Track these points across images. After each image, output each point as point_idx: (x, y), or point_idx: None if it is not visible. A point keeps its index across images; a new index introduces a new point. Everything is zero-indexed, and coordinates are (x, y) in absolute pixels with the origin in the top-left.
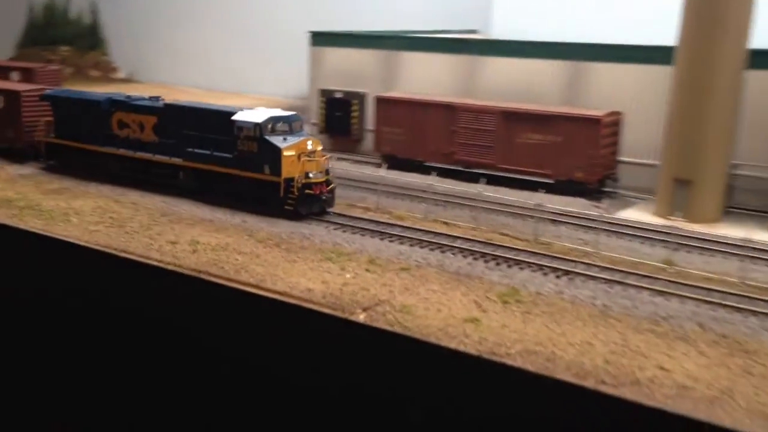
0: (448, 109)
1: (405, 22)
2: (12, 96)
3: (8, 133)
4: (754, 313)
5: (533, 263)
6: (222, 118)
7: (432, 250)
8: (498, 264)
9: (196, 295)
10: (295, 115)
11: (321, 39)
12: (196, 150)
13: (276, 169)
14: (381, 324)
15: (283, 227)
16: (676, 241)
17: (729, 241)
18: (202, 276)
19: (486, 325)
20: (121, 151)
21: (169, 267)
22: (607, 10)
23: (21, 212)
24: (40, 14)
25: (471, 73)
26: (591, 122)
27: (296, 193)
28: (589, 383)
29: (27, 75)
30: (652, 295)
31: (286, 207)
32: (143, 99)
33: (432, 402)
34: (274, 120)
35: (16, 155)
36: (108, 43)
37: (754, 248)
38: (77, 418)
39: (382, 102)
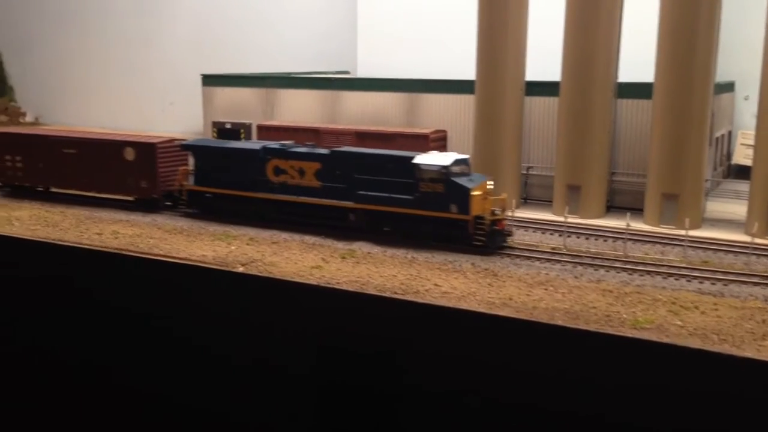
0: (315, 132)
1: (291, 64)
2: (145, 148)
3: (141, 184)
4: (509, 256)
5: (368, 236)
6: (400, 162)
7: (295, 232)
8: (343, 238)
9: (120, 265)
10: (468, 158)
11: (211, 80)
12: (369, 193)
13: (464, 208)
14: (254, 272)
15: (182, 222)
16: None
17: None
18: (123, 252)
19: (326, 269)
20: (281, 197)
21: (98, 248)
22: (438, 52)
23: None
24: None
25: (333, 105)
26: (421, 137)
27: (486, 230)
28: (386, 294)
29: None
30: (446, 253)
31: (475, 243)
32: (300, 146)
33: (288, 322)
34: (457, 162)
35: (149, 205)
36: (15, 90)
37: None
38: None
39: (264, 129)
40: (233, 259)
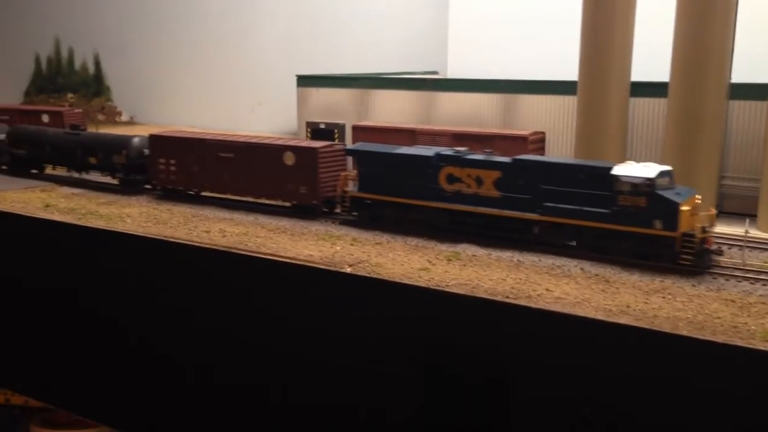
0: (411, 133)
1: (377, 64)
2: (306, 153)
3: (301, 190)
4: (620, 263)
5: (471, 238)
6: (595, 172)
7: (397, 233)
8: (446, 240)
9: (230, 263)
10: (672, 170)
11: (306, 81)
12: (557, 205)
13: (671, 224)
14: (362, 273)
15: (286, 222)
16: None
17: None
18: (233, 250)
19: (434, 272)
20: (455, 206)
21: (208, 246)
22: (533, 50)
23: (85, 216)
24: (47, 65)
25: (428, 105)
26: (520, 139)
27: (695, 248)
28: (498, 298)
29: (55, 117)
30: (552, 257)
31: (682, 262)
32: (477, 153)
33: (390, 323)
34: (662, 174)
35: (307, 211)
36: (111, 90)
37: None
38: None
39: (358, 129)
40: (340, 260)
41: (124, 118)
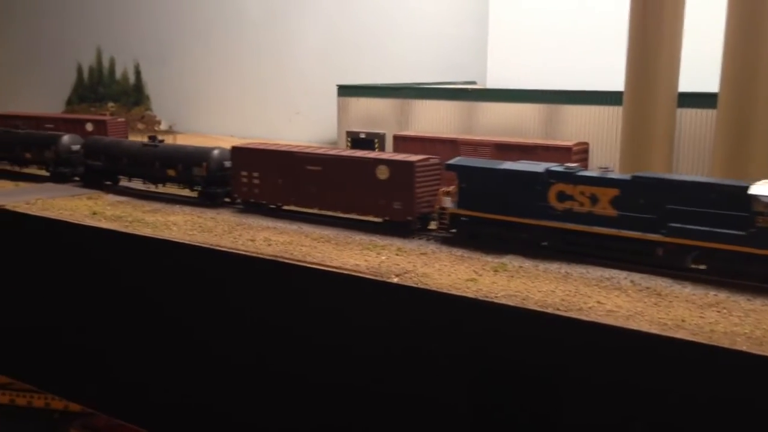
0: (453, 143)
1: (416, 74)
2: (402, 167)
3: (394, 206)
4: (672, 276)
5: (517, 248)
6: (730, 192)
7: (443, 243)
8: (492, 251)
9: (276, 271)
10: None
11: (346, 90)
12: (685, 226)
13: None
14: (409, 283)
15: (329, 231)
16: None
17: None
18: (279, 258)
19: (481, 282)
20: (566, 225)
21: (254, 254)
22: (573, 61)
23: (132, 224)
24: (88, 74)
25: (469, 116)
26: (563, 150)
27: None
28: (549, 310)
29: (99, 126)
30: (600, 269)
31: None
32: (585, 170)
33: (438, 334)
34: None
35: (399, 228)
36: (151, 99)
37: None
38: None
39: (399, 139)
40: (386, 270)
41: (162, 126)
